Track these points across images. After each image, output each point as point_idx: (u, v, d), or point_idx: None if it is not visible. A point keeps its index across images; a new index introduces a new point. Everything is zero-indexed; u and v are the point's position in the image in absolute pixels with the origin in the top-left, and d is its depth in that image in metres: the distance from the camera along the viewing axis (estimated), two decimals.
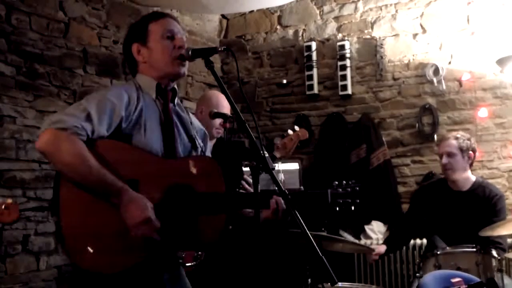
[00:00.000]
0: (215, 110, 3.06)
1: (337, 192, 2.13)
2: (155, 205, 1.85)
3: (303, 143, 5.10)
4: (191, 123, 2.16)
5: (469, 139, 3.51)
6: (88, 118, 1.82)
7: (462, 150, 3.44)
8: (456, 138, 3.48)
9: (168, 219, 1.88)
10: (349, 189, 2.13)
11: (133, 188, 1.84)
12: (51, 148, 1.79)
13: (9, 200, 2.32)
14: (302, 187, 4.54)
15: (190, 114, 2.25)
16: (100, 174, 1.79)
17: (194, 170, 1.98)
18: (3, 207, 2.30)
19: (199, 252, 2.77)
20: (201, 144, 2.19)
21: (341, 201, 2.12)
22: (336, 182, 2.16)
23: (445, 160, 3.44)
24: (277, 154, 3.64)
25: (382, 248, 3.58)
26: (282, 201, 2.04)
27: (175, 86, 2.13)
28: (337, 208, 2.14)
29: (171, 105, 2.09)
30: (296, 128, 3.72)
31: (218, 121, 3.06)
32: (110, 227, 1.82)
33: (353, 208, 2.14)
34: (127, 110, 1.92)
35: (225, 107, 3.16)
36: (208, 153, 2.27)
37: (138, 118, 1.95)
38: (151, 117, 1.99)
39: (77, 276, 1.91)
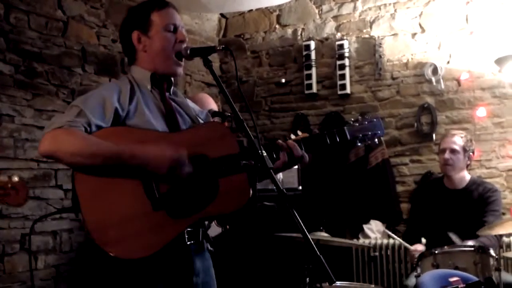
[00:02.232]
0: (213, 109, 3.07)
1: (354, 128, 2.05)
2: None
3: None
4: (191, 107, 2.14)
5: (471, 141, 3.53)
6: (80, 113, 1.82)
7: (465, 150, 3.46)
8: (461, 137, 3.49)
9: (191, 192, 1.87)
10: (366, 122, 2.06)
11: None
12: (52, 147, 1.78)
13: (16, 178, 2.01)
14: (300, 187, 4.53)
15: (188, 100, 2.22)
16: (107, 147, 1.78)
17: (204, 138, 1.94)
18: (9, 186, 1.99)
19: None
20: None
21: (361, 135, 2.05)
22: (352, 119, 2.10)
23: (447, 155, 3.45)
24: None
25: (420, 247, 3.51)
26: (296, 146, 1.98)
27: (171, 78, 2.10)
28: (359, 143, 2.07)
29: (167, 94, 2.07)
30: (299, 133, 3.61)
31: None
32: (133, 210, 1.82)
33: (377, 141, 2.09)
34: (120, 100, 1.91)
35: (213, 108, 3.14)
36: None
37: (137, 107, 1.93)
38: (151, 106, 1.98)
39: (108, 267, 1.87)
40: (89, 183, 1.81)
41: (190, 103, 2.20)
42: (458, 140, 3.48)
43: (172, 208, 1.85)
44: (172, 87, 2.11)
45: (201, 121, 2.13)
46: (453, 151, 3.45)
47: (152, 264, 1.85)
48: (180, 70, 2.04)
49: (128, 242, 1.80)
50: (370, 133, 2.05)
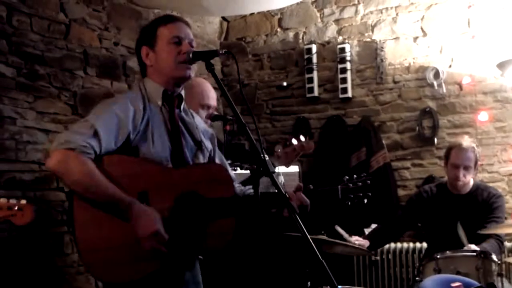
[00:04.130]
0: (215, 113, 3.04)
1: (347, 187, 2.14)
2: (165, 217, 1.90)
3: None
4: (196, 127, 2.18)
5: (478, 147, 3.53)
6: (95, 135, 1.88)
7: (476, 162, 3.46)
8: (473, 151, 3.45)
9: (179, 226, 1.92)
10: (360, 183, 2.15)
11: (143, 199, 1.90)
12: (61, 168, 1.86)
13: (23, 201, 2.25)
14: (311, 186, 4.52)
15: (196, 117, 2.26)
16: (108, 190, 1.86)
17: (202, 178, 2.01)
18: (16, 208, 2.21)
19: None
20: (209, 147, 2.21)
21: (352, 196, 2.14)
22: (347, 177, 2.17)
23: (461, 173, 3.41)
24: (276, 163, 3.36)
25: (366, 243, 3.54)
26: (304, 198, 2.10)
27: (182, 93, 2.14)
28: (349, 203, 2.15)
29: (177, 111, 2.11)
30: (302, 138, 3.24)
31: (203, 113, 2.92)
32: (124, 238, 1.88)
33: (365, 201, 2.13)
34: (134, 123, 1.96)
35: (211, 98, 2.99)
36: (218, 155, 2.29)
37: (145, 128, 1.98)
38: (158, 126, 2.02)
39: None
40: (88, 205, 1.88)
41: (198, 122, 2.24)
42: (471, 155, 3.43)
43: None
44: (183, 104, 2.15)
45: (206, 144, 2.18)
46: (467, 168, 3.42)
47: (143, 281, 1.90)
48: (189, 73, 2.07)
49: (112, 267, 1.87)
50: (361, 194, 2.15)
